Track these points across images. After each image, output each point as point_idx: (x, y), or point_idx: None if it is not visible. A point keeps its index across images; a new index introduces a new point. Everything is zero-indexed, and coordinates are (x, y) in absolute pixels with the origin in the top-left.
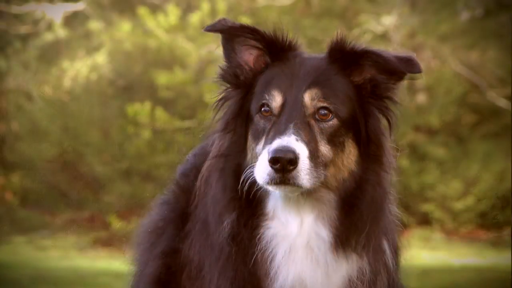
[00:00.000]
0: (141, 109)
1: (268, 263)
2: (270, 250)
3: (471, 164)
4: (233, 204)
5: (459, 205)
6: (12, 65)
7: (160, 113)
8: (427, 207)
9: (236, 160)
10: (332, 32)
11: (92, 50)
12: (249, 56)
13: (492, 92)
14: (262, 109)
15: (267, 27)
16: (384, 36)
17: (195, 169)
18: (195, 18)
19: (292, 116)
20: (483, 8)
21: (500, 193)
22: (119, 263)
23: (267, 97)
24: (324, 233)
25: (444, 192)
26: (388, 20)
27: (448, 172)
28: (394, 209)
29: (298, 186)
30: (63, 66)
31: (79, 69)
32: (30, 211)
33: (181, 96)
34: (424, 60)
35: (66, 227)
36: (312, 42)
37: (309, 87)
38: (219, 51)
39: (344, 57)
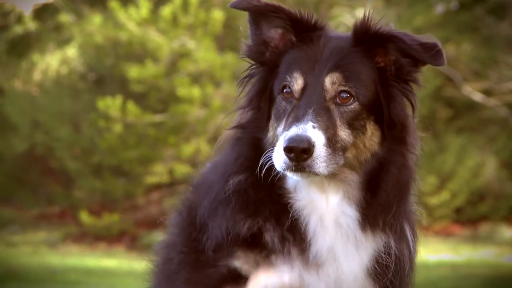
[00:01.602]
0: (112, 103)
1: (302, 229)
2: (302, 218)
3: (446, 159)
4: (244, 169)
5: (434, 201)
6: None
7: (131, 107)
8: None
9: (255, 134)
10: None
11: (63, 43)
12: (274, 34)
13: (467, 86)
14: (284, 90)
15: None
16: None
17: (210, 172)
18: (166, 11)
19: (312, 101)
20: (458, 1)
21: (475, 188)
22: (90, 259)
23: (289, 79)
24: (351, 212)
25: (419, 187)
26: (362, 13)
27: (423, 167)
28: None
29: (315, 173)
30: (33, 59)
31: (50, 62)
32: None
33: (152, 90)
34: None
35: (36, 222)
36: None
37: (330, 70)
38: (190, 45)
39: (369, 39)
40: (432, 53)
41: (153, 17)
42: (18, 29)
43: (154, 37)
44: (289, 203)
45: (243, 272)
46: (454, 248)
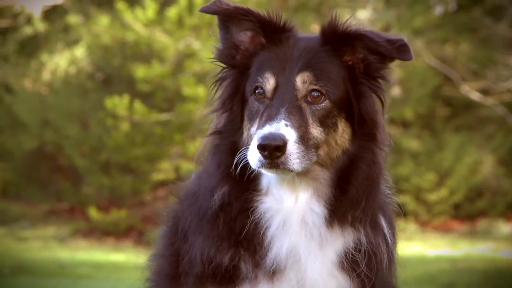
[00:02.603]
0: (119, 102)
1: (261, 234)
2: (263, 222)
3: (444, 156)
4: (226, 179)
5: (433, 197)
6: None
7: (138, 106)
8: (401, 199)
9: (232, 138)
10: (307, 25)
11: (71, 43)
12: (244, 37)
13: (465, 86)
14: (256, 91)
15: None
16: None
17: (198, 177)
18: (172, 12)
19: (284, 100)
20: (456, 3)
21: (473, 185)
22: (98, 253)
23: (260, 80)
24: (319, 209)
25: (418, 184)
26: (363, 14)
27: (422, 164)
28: (387, 189)
29: (288, 170)
30: (42, 59)
31: (58, 62)
32: (10, 202)
33: (159, 89)
34: None
35: (46, 218)
36: None
37: (301, 70)
38: (195, 45)
39: (337, 39)
40: (398, 48)
41: (159, 18)
42: (27, 30)
43: (160, 37)
44: (251, 207)
45: None
46: (453, 243)
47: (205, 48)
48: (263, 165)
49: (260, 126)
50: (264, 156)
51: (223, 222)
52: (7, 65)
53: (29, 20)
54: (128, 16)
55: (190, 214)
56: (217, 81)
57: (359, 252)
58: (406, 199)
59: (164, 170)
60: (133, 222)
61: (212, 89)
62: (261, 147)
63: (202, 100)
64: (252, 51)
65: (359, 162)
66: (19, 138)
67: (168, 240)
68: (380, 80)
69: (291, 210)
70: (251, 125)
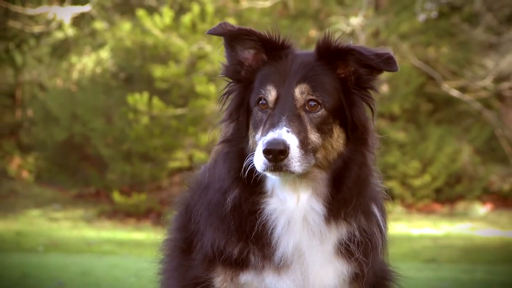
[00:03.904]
0: (140, 98)
1: (269, 234)
2: (270, 223)
3: (427, 147)
4: (236, 183)
5: (417, 182)
6: (27, 60)
7: (156, 101)
8: (389, 184)
9: (239, 145)
10: (306, 31)
11: (97, 46)
12: (248, 54)
13: (445, 84)
14: (260, 102)
15: (262, 29)
16: (352, 35)
17: (206, 169)
18: (186, 18)
19: (284, 109)
20: (438, 10)
21: (452, 172)
22: (121, 232)
23: (263, 92)
24: (318, 207)
25: (404, 171)
26: (355, 21)
27: (408, 154)
28: (378, 182)
29: (291, 172)
30: (72, 60)
31: (86, 63)
32: (43, 187)
33: (174, 87)
34: None
35: (75, 201)
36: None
37: (299, 82)
38: (207, 48)
39: (330, 54)
40: (385, 61)
41: (175, 24)
42: (58, 35)
43: (176, 41)
44: (259, 209)
45: None
46: (434, 223)
47: (216, 51)
48: (267, 168)
49: (264, 133)
50: (269, 160)
51: (234, 221)
52: (41, 65)
53: (60, 26)
54: (147, 22)
55: (201, 206)
56: (224, 94)
57: (353, 242)
58: (393, 185)
59: (179, 159)
60: (152, 204)
61: (220, 102)
62: (266, 152)
63: (213, 97)
64: (255, 66)
65: (351, 164)
66: (51, 130)
67: (182, 222)
68: (369, 90)
69: (294, 210)
70: (256, 133)
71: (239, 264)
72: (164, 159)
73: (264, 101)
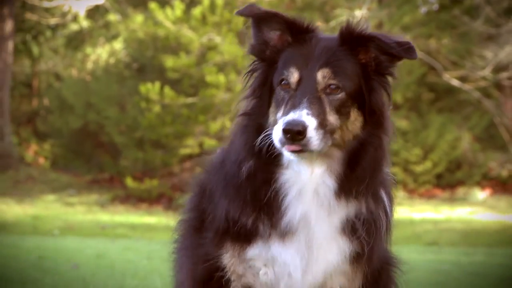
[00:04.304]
0: (152, 88)
1: (279, 200)
2: (282, 191)
3: (429, 134)
4: (252, 154)
5: (419, 169)
6: (43, 51)
7: (168, 91)
8: (392, 170)
9: (259, 120)
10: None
11: (111, 38)
12: (273, 35)
13: (446, 74)
14: (282, 82)
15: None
16: None
17: (223, 152)
18: (197, 11)
19: (306, 91)
20: (439, 3)
21: (453, 158)
22: (134, 216)
23: (286, 73)
24: (330, 182)
25: (406, 157)
26: (360, 13)
27: (410, 141)
28: (387, 168)
29: (309, 151)
30: (86, 51)
31: (100, 54)
32: (59, 173)
33: (185, 77)
34: None
35: (89, 186)
36: None
37: (321, 66)
38: (217, 40)
39: (353, 40)
40: (406, 49)
41: (186, 16)
42: (74, 27)
43: (187, 33)
44: (273, 178)
45: (224, 267)
46: (436, 208)
47: (225, 42)
48: (284, 147)
49: (285, 113)
50: (287, 139)
51: (249, 190)
52: (57, 56)
53: (75, 18)
54: (159, 14)
55: (216, 180)
56: (249, 71)
57: (359, 220)
58: (396, 170)
59: (190, 146)
60: (163, 190)
61: (245, 78)
62: (285, 131)
63: (222, 86)
64: (279, 47)
65: (368, 146)
66: (67, 118)
67: (196, 201)
68: (388, 77)
69: (307, 182)
70: (277, 111)
71: (248, 236)
72: (175, 146)
73: (287, 82)
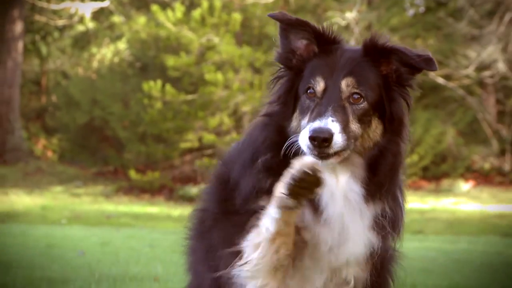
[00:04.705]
0: (154, 85)
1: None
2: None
3: (415, 129)
4: (270, 149)
5: (406, 161)
6: (51, 50)
7: (169, 88)
8: None
9: (281, 122)
10: None
11: (115, 38)
12: (300, 44)
13: (432, 72)
14: (308, 91)
15: (314, 23)
16: (347, 28)
17: (238, 151)
18: (196, 13)
19: (331, 100)
20: (425, 6)
21: (438, 152)
22: (137, 207)
23: (312, 82)
24: (357, 189)
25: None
26: (350, 15)
27: None
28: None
29: (333, 157)
30: (92, 51)
31: (105, 53)
32: (66, 166)
33: (185, 75)
34: None
35: (95, 178)
36: None
37: (345, 76)
38: (215, 40)
39: (376, 52)
40: (426, 61)
41: (186, 18)
42: (80, 28)
43: (187, 34)
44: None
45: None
46: (422, 198)
47: (223, 42)
48: (311, 153)
49: (311, 120)
50: (314, 146)
51: (269, 181)
52: (64, 56)
53: (81, 20)
54: (161, 16)
55: (237, 169)
56: (274, 78)
57: (385, 218)
58: None
59: (190, 140)
60: (165, 181)
61: (271, 84)
62: (312, 138)
63: (220, 84)
64: (306, 57)
65: (387, 153)
66: (73, 114)
67: (217, 193)
68: (408, 88)
69: (335, 188)
70: (302, 118)
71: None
72: (176, 141)
73: (313, 91)
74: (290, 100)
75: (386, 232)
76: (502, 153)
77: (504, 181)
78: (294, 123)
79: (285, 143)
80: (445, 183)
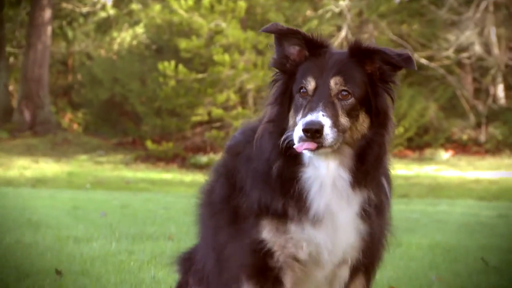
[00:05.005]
0: (168, 66)
1: (304, 196)
2: (306, 187)
3: (401, 104)
4: (279, 156)
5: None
6: (77, 34)
7: (181, 68)
8: None
9: (282, 126)
10: (303, 11)
11: (133, 24)
12: (293, 50)
13: (416, 54)
14: (301, 90)
15: (306, 31)
16: (340, 14)
17: (243, 143)
18: (206, 1)
19: (321, 97)
20: None
21: (421, 124)
22: (153, 173)
23: (304, 82)
24: (345, 176)
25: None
26: (343, 3)
27: None
28: (387, 159)
29: (324, 147)
30: (113, 35)
31: (124, 37)
32: (90, 137)
33: (196, 56)
34: (369, 31)
35: (116, 148)
36: (289, 19)
37: (334, 75)
38: (223, 25)
39: (360, 53)
40: (405, 60)
41: (197, 5)
42: (102, 14)
43: (197, 19)
44: (298, 176)
45: (266, 242)
46: (407, 166)
47: (229, 27)
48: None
49: (304, 115)
50: (307, 137)
51: (278, 184)
52: (88, 39)
53: (103, 7)
54: (174, 4)
55: (246, 173)
56: (272, 82)
57: (370, 206)
58: None
59: (200, 114)
60: (178, 151)
61: (269, 88)
62: (305, 130)
63: (227, 64)
64: (298, 61)
65: (373, 143)
66: (96, 91)
67: (228, 191)
68: (391, 84)
69: (325, 177)
70: (296, 115)
71: (283, 217)
72: (188, 114)
73: (305, 90)
74: (286, 100)
75: (372, 219)
76: (478, 125)
77: (480, 151)
78: (291, 122)
79: (291, 146)
80: (427, 152)
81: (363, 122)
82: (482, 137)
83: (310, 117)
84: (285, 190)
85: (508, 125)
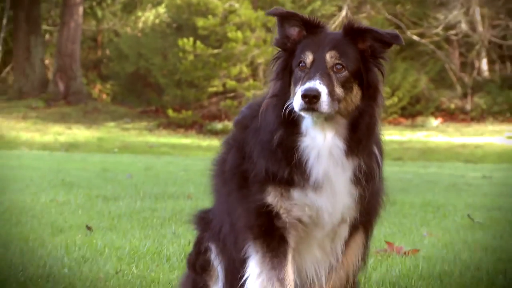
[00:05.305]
0: (187, 42)
1: (304, 164)
2: (305, 156)
3: (395, 76)
4: (281, 126)
5: (388, 103)
6: (105, 14)
7: (199, 44)
8: None
9: (284, 99)
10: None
11: (156, 4)
12: (293, 31)
13: (409, 31)
14: (300, 64)
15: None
16: None
17: (250, 117)
18: None
19: (318, 68)
20: None
21: (413, 95)
22: (174, 138)
23: (303, 56)
24: (340, 144)
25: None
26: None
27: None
28: (379, 130)
29: (320, 112)
30: (138, 14)
31: (148, 16)
32: (117, 106)
33: (212, 34)
34: (366, 11)
35: (140, 116)
36: (295, 0)
37: (329, 49)
38: (236, 5)
39: (353, 32)
40: (394, 37)
41: None
42: None
43: (213, 0)
44: (297, 145)
45: (272, 205)
46: (400, 132)
47: (242, 7)
48: (303, 109)
49: (302, 84)
50: (305, 102)
51: (281, 153)
52: (115, 18)
53: None
54: None
55: (254, 143)
56: (274, 59)
57: (361, 173)
58: None
59: (215, 86)
60: (196, 119)
61: (271, 65)
62: (304, 96)
63: (240, 41)
64: (297, 40)
65: (365, 114)
66: (123, 64)
67: (239, 159)
68: (381, 60)
69: (322, 146)
70: (296, 87)
71: (288, 183)
72: (205, 86)
73: (303, 63)
74: (286, 75)
75: (363, 183)
76: (464, 96)
77: (466, 118)
78: (292, 95)
79: (292, 117)
80: (419, 119)
81: (356, 94)
82: (468, 106)
83: (308, 85)
84: (288, 159)
85: (491, 95)
